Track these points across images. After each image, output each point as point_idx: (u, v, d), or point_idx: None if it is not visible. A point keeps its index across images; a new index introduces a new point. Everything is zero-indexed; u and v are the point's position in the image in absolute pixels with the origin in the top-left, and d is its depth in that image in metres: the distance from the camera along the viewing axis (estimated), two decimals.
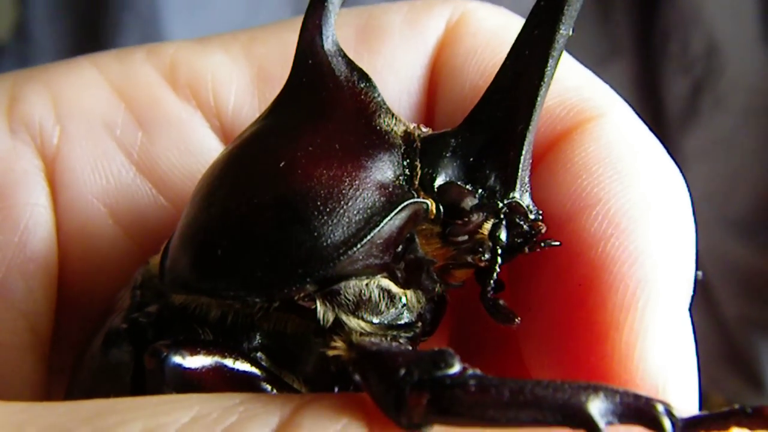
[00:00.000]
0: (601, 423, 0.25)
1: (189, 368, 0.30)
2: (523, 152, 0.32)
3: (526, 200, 0.32)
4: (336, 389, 0.33)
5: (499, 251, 0.32)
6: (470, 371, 0.26)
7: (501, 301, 0.32)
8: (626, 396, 0.26)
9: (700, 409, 0.29)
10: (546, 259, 0.33)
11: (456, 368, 0.26)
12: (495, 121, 0.32)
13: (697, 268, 0.35)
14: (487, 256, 0.32)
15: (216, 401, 0.27)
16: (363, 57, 0.39)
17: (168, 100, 0.40)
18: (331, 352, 0.30)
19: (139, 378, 0.32)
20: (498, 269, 0.32)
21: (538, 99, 0.31)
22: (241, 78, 0.40)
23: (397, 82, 0.40)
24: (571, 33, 0.31)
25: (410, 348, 0.30)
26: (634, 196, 0.32)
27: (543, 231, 0.32)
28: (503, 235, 0.32)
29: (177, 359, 0.29)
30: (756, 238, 1.08)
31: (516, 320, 0.31)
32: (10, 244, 0.37)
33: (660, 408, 0.25)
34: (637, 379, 0.30)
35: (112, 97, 0.40)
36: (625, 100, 0.36)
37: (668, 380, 0.29)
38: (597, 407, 0.25)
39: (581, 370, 0.30)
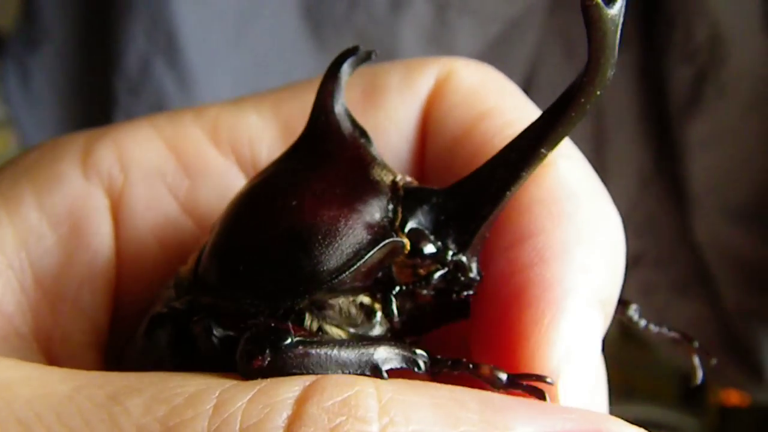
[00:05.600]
0: (383, 368, 0.36)
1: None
2: (482, 228, 0.40)
3: (471, 263, 0.41)
4: None
5: (424, 288, 0.41)
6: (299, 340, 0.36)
7: (395, 304, 0.41)
8: (400, 347, 0.38)
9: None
10: (489, 278, 0.41)
11: (289, 340, 0.36)
12: (470, 197, 0.40)
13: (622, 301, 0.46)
14: (424, 292, 0.41)
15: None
16: (369, 112, 0.48)
17: (210, 154, 0.49)
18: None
19: (179, 350, 0.43)
20: (407, 289, 0.41)
21: (507, 193, 0.39)
22: (271, 134, 0.49)
23: (397, 132, 0.48)
24: (548, 153, 0.38)
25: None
26: (560, 234, 0.41)
27: (474, 288, 0.41)
28: (434, 280, 0.41)
29: (213, 324, 0.40)
30: (759, 227, 1.08)
31: (395, 319, 0.41)
32: (82, 264, 0.47)
33: (418, 352, 0.38)
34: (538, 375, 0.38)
35: (165, 151, 0.49)
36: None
37: (560, 382, 0.38)
38: (379, 358, 0.36)
39: (506, 363, 0.39)
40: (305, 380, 0.34)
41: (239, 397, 0.33)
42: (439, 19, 1.06)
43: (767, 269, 1.08)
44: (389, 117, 0.48)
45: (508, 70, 1.25)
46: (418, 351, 0.38)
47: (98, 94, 1.10)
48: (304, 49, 1.08)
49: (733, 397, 1.56)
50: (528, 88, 1.13)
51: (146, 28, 1.03)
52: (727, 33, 1.01)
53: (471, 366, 0.38)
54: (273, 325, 0.37)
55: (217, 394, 0.33)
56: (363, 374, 0.36)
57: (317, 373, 0.35)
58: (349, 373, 0.36)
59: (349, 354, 0.36)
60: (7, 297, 0.45)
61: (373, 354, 0.37)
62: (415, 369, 0.38)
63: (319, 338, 0.40)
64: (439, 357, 0.38)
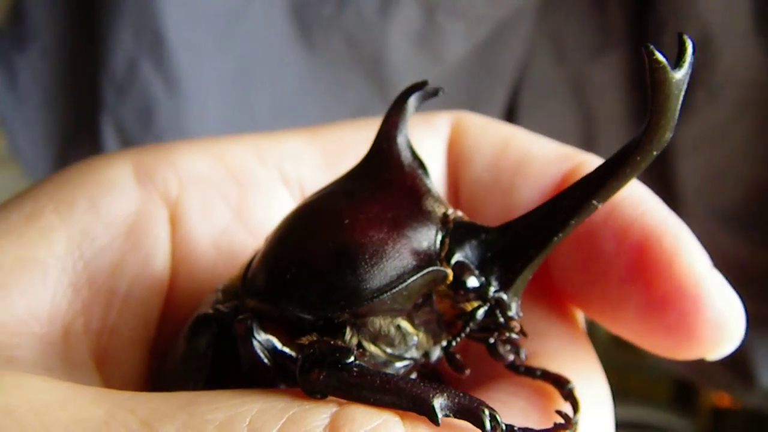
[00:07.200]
0: (439, 414, 0.36)
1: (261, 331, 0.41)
2: (526, 269, 0.42)
3: (512, 302, 0.42)
4: None
5: (470, 325, 0.42)
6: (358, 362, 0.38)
7: (457, 355, 0.44)
8: (463, 398, 0.36)
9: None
10: (598, 242, 0.47)
11: (351, 359, 0.38)
12: (519, 237, 0.42)
13: None
14: (461, 324, 0.42)
15: (278, 395, 0.37)
16: None
17: (256, 167, 0.53)
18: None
19: (220, 351, 0.44)
20: (462, 336, 0.43)
21: (555, 239, 0.41)
22: (313, 157, 0.53)
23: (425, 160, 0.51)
24: (599, 205, 0.41)
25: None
26: (635, 194, 0.47)
27: (515, 329, 0.42)
28: (479, 316, 0.42)
29: (256, 326, 0.41)
30: (748, 230, 1.08)
31: (466, 371, 0.44)
32: (136, 263, 0.49)
33: (486, 411, 0.36)
34: (702, 281, 0.44)
35: (215, 162, 0.52)
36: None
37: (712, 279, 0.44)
38: (439, 402, 0.36)
39: (662, 289, 0.44)
40: (331, 408, 0.36)
41: (269, 425, 0.34)
42: (428, 21, 1.06)
43: (757, 272, 1.08)
44: (417, 146, 0.50)
45: (496, 73, 1.24)
46: (486, 410, 0.37)
47: (85, 94, 1.10)
48: (292, 50, 1.07)
49: (725, 399, 1.56)
50: (517, 90, 1.13)
51: (133, 28, 1.02)
52: (717, 36, 1.01)
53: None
54: (336, 342, 0.39)
55: (247, 423, 0.34)
56: (410, 410, 0.36)
57: (366, 397, 0.37)
58: (399, 404, 0.36)
59: (406, 386, 0.37)
60: (57, 299, 0.46)
61: (433, 395, 0.36)
62: (478, 427, 0.37)
63: (374, 361, 0.42)
64: (510, 425, 0.38)
